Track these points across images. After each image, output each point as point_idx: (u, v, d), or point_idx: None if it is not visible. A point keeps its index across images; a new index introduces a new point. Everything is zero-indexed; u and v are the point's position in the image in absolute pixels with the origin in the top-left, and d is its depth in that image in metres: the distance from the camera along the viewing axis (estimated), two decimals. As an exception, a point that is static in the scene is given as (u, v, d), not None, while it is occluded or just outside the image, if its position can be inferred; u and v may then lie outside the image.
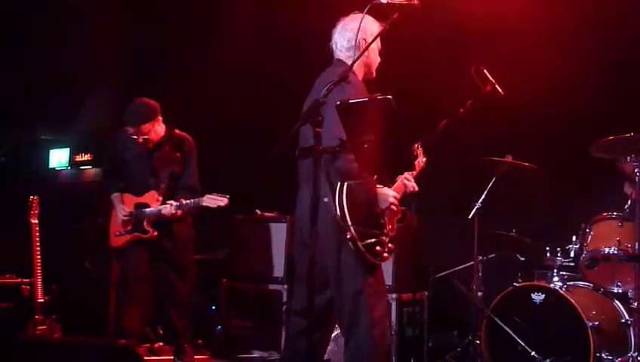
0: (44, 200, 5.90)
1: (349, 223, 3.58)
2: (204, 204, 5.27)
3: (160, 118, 5.47)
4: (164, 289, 5.59)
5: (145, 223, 5.41)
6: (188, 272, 5.63)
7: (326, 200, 3.61)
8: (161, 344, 6.27)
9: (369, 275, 3.74)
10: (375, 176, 3.77)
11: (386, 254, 3.76)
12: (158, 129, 5.48)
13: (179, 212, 5.34)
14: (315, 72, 3.99)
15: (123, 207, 5.48)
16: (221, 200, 5.24)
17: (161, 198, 5.41)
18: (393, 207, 3.76)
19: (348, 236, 3.59)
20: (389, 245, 3.78)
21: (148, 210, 5.41)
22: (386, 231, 3.77)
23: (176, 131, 5.58)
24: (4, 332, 5.47)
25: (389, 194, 3.77)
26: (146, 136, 5.40)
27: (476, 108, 4.11)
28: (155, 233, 5.41)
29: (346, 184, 3.63)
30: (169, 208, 5.31)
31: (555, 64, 5.79)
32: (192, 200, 5.33)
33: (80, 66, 7.68)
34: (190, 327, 5.80)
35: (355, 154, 3.53)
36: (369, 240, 3.66)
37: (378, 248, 3.71)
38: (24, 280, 5.81)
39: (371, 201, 3.72)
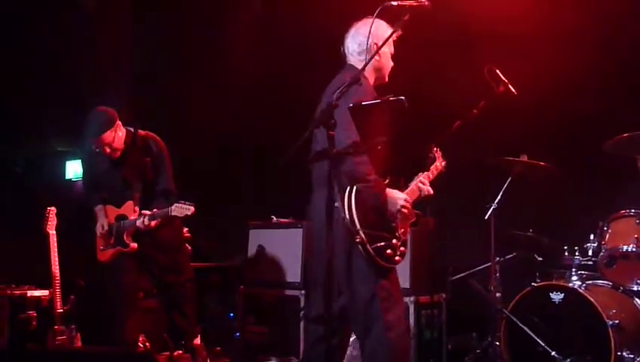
0: (61, 211, 5.92)
1: (358, 227, 3.56)
2: (174, 213, 5.01)
3: (119, 122, 5.20)
4: (162, 294, 5.55)
5: (125, 236, 5.24)
6: (180, 267, 5.49)
7: (337, 204, 3.58)
8: (181, 352, 6.28)
9: (382, 279, 3.70)
10: (387, 180, 3.74)
11: (397, 258, 3.73)
12: (120, 135, 5.22)
13: (153, 223, 5.12)
14: (322, 74, 3.99)
15: (103, 222, 5.35)
16: (188, 209, 4.97)
17: (138, 208, 5.21)
18: (404, 210, 3.73)
19: (357, 240, 3.56)
20: (401, 248, 3.75)
21: (126, 222, 5.25)
22: (397, 234, 3.74)
23: (140, 132, 5.29)
24: (24, 343, 5.51)
25: (398, 197, 3.73)
26: (111, 146, 5.16)
27: (489, 108, 4.09)
28: (135, 245, 5.23)
29: (355, 187, 3.61)
30: (142, 220, 5.09)
31: (569, 63, 5.76)
32: (162, 211, 5.09)
33: (94, 77, 7.74)
34: (199, 327, 5.70)
35: (368, 155, 3.53)
36: (379, 244, 3.64)
37: (389, 251, 3.68)
38: (43, 291, 5.84)
39: (380, 205, 3.68)
